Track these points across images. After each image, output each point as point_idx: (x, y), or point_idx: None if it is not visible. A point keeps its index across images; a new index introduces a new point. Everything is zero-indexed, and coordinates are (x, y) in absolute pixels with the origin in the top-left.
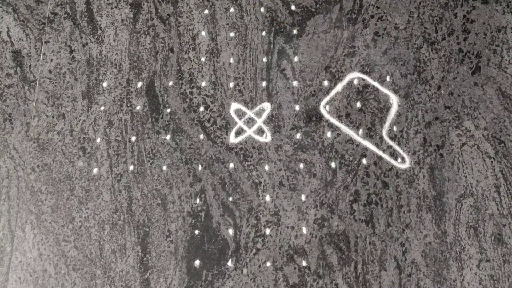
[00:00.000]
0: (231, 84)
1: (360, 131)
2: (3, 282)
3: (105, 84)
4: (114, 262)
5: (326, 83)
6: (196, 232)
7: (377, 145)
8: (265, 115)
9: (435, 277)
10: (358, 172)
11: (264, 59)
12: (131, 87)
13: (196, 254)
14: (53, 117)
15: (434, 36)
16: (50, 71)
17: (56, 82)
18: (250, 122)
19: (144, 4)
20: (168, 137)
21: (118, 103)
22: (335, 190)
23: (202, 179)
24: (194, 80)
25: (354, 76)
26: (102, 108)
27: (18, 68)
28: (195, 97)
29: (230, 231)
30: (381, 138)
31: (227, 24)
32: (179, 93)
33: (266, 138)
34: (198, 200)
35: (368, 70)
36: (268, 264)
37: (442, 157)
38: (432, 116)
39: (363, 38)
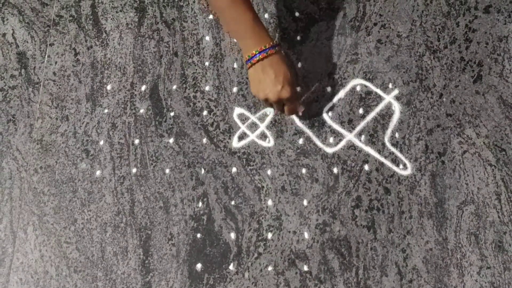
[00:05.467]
0: (235, 89)
1: (363, 137)
2: (4, 283)
3: (109, 87)
4: (116, 264)
5: (329, 89)
6: (198, 235)
7: (379, 152)
8: (268, 120)
9: (436, 283)
10: (360, 178)
11: None
12: (135, 90)
13: (198, 258)
14: (56, 119)
15: (436, 44)
16: (54, 73)
17: (60, 84)
18: (253, 126)
19: (149, 9)
20: (171, 140)
21: (122, 106)
22: (337, 196)
23: (205, 182)
24: (198, 84)
25: (357, 82)
26: (106, 110)
27: (23, 70)
28: (199, 101)
29: (232, 235)
30: (383, 144)
31: None
32: (183, 97)
33: (269, 143)
34: (200, 204)
35: (370, 77)
36: (270, 268)
37: (443, 164)
38: (434, 124)
39: (366, 46)
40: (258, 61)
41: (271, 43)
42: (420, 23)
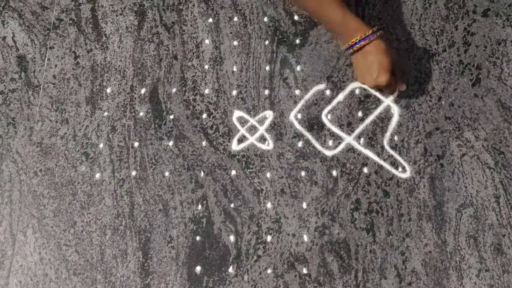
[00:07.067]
0: (234, 92)
1: (362, 140)
2: (4, 286)
3: (108, 90)
4: (115, 267)
5: (328, 92)
6: (198, 238)
7: (378, 154)
8: (267, 123)
9: (435, 286)
10: (359, 180)
11: (267, 68)
12: (135, 93)
13: (197, 260)
14: (56, 122)
15: (435, 48)
16: (54, 77)
17: (60, 88)
18: (253, 129)
19: (148, 12)
20: (170, 143)
21: (122, 109)
22: (336, 198)
23: (204, 185)
24: (197, 88)
25: (356, 85)
26: (106, 113)
27: (23, 73)
28: (198, 104)
29: (231, 238)
30: (382, 147)
31: (231, 32)
32: (182, 100)
33: (268, 145)
34: (199, 206)
35: None
36: (269, 271)
37: (442, 167)
38: (432, 127)
39: None
40: (359, 48)
41: (369, 31)
42: (419, 26)
